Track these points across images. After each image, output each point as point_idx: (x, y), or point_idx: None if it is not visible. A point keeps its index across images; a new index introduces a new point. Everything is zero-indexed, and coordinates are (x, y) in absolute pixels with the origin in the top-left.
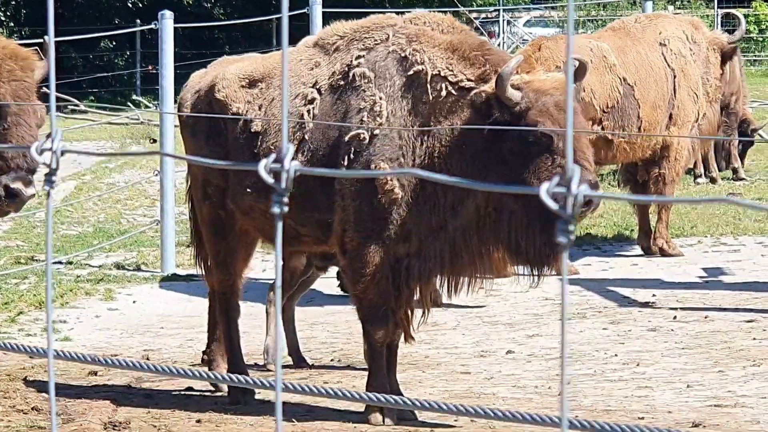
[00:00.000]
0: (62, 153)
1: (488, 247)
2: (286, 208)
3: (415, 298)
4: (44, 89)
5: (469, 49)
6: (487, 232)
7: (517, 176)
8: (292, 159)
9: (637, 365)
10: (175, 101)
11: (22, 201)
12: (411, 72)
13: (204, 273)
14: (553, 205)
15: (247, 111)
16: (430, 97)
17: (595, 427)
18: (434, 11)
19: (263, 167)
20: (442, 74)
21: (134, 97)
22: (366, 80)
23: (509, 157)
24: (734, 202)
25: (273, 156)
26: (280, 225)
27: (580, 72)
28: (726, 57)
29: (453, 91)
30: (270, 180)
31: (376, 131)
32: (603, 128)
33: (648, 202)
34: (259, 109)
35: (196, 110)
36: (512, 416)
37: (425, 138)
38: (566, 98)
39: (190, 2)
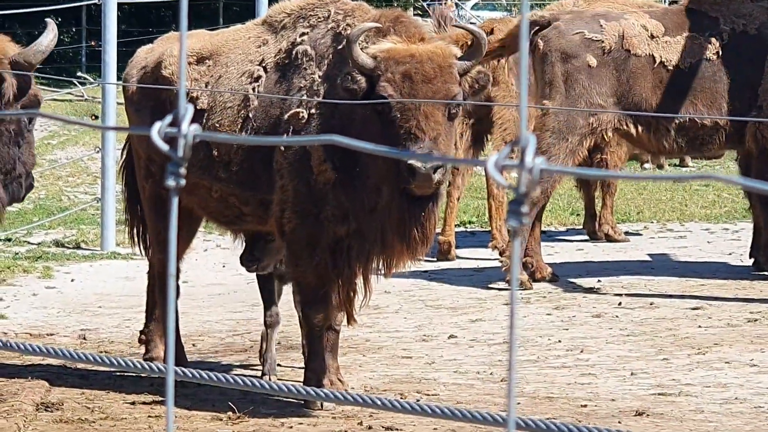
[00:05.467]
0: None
1: (406, 227)
2: (183, 181)
3: (356, 279)
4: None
5: (384, 21)
6: (398, 212)
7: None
8: (191, 122)
9: (581, 352)
10: (119, 78)
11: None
12: (341, 47)
13: (144, 251)
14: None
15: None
16: None
17: (541, 428)
18: None
19: (156, 132)
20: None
21: (79, 73)
22: (307, 58)
23: (370, 128)
24: (719, 178)
25: (169, 118)
26: (175, 201)
27: (475, 49)
28: None
29: None
30: (164, 147)
31: (313, 110)
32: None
33: (629, 179)
34: (206, 86)
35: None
36: (452, 414)
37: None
38: (521, 73)
39: None
